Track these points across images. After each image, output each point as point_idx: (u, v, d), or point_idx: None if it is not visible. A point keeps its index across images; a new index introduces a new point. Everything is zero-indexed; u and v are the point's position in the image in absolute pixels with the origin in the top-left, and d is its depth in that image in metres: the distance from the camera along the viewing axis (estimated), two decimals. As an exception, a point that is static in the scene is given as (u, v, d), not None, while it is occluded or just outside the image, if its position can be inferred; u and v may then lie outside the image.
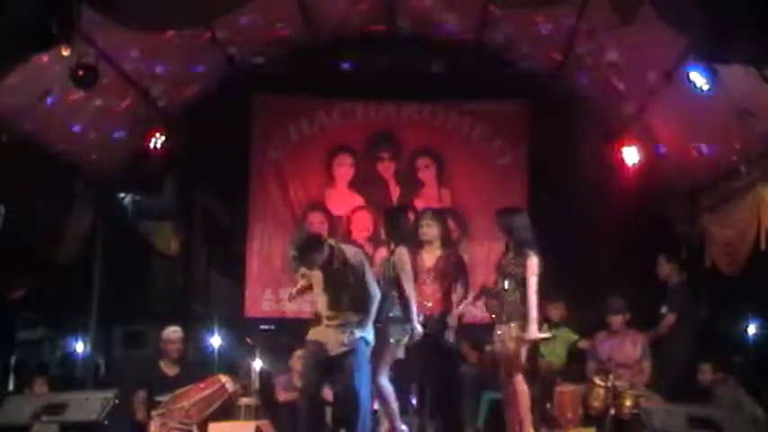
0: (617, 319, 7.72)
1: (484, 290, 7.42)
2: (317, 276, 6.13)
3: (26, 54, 5.84)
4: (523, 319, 6.19)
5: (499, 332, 6.36)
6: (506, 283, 6.35)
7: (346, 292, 6.03)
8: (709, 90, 6.46)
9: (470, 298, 6.85)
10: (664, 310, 8.08)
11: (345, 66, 9.43)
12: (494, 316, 6.95)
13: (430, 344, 6.42)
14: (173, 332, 7.43)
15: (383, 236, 7.07)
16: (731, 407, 6.95)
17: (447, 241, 6.64)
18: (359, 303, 6.05)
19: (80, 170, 8.14)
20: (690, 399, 6.97)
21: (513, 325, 6.22)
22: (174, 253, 9.69)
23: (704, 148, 7.61)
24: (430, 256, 6.62)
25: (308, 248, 5.96)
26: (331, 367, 6.13)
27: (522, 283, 6.23)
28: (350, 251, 6.14)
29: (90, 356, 9.05)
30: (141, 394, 7.15)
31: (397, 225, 6.57)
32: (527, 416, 6.25)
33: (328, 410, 7.01)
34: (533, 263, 6.21)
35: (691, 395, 7.22)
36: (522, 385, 6.23)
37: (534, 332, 6.19)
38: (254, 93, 9.76)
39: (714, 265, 7.98)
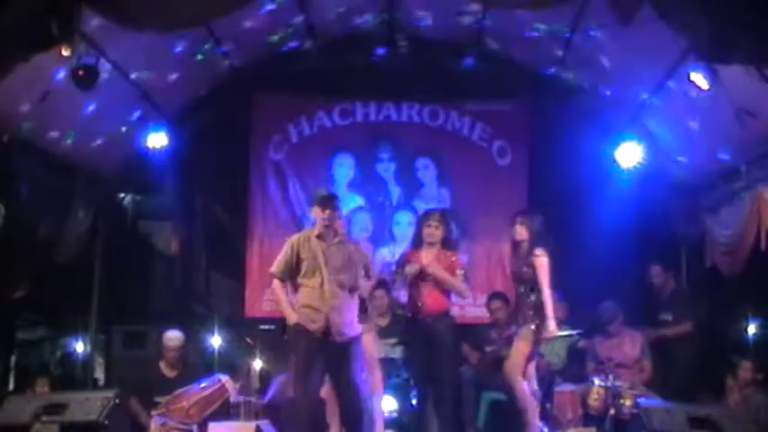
0: (613, 325, 7.75)
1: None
2: (322, 251, 6.12)
3: (26, 54, 5.84)
4: (540, 320, 6.28)
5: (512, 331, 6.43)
6: (522, 288, 6.46)
7: (349, 273, 6.08)
8: (709, 90, 6.46)
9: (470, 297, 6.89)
10: (666, 316, 8.07)
11: (345, 65, 9.41)
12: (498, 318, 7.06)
13: (430, 344, 6.41)
14: (175, 337, 7.45)
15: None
16: (756, 411, 6.90)
17: (447, 242, 6.64)
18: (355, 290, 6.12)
19: (80, 170, 8.13)
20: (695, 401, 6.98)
21: (530, 327, 6.29)
22: (174, 253, 9.68)
23: (704, 148, 7.61)
24: (430, 257, 6.60)
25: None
26: (330, 358, 6.07)
27: (535, 285, 6.32)
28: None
29: (90, 356, 9.06)
30: (134, 400, 7.16)
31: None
32: (534, 418, 6.31)
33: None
34: (543, 263, 6.30)
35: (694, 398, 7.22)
36: (523, 385, 6.27)
37: (554, 329, 6.30)
38: (254, 93, 9.75)
39: (714, 265, 7.98)
